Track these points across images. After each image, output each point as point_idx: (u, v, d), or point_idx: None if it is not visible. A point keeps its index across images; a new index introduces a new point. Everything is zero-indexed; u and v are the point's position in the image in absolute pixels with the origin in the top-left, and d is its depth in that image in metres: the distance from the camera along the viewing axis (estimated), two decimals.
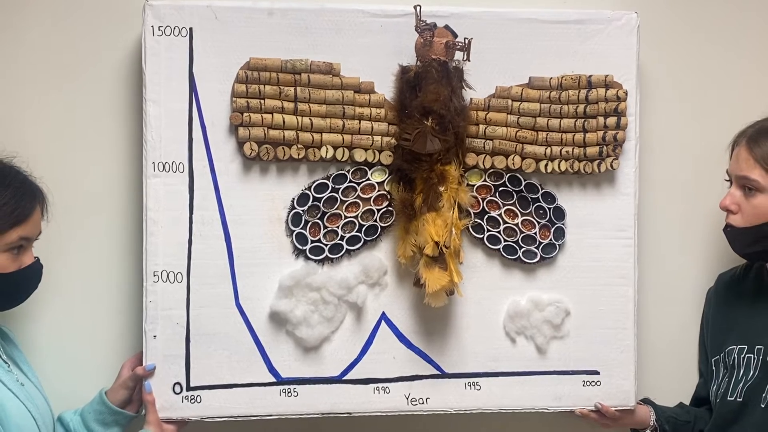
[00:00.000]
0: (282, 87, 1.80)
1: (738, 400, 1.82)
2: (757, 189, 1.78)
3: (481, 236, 1.88)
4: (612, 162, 1.89)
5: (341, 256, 1.85)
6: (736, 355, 1.85)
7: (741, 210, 1.80)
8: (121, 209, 1.88)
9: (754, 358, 1.82)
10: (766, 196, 1.78)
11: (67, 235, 1.87)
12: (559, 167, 1.88)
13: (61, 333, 1.90)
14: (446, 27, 1.81)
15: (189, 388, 1.81)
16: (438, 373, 1.88)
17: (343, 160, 1.83)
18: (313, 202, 1.84)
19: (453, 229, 1.80)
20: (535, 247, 1.90)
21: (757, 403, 1.79)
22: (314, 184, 1.84)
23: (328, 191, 1.84)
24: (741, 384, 1.82)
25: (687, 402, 2.01)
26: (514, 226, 1.89)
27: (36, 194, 1.67)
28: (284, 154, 1.81)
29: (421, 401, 1.88)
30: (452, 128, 1.79)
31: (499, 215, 1.89)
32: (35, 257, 1.68)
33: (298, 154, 1.81)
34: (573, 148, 1.87)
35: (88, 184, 1.89)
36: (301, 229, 1.84)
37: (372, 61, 1.82)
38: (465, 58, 1.79)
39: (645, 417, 1.94)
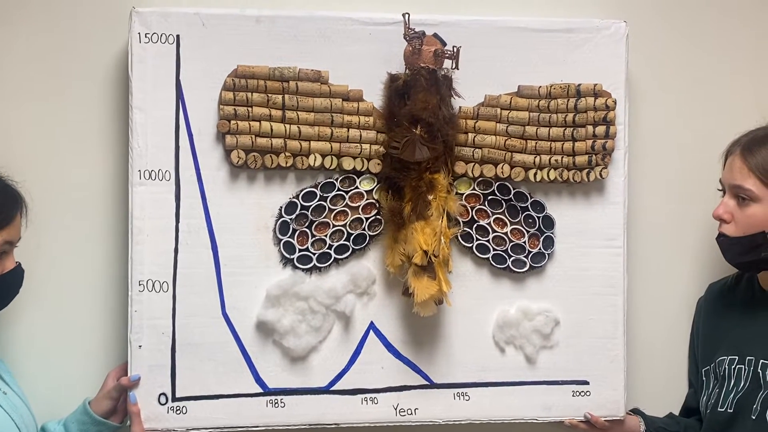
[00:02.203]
0: (270, 95, 1.79)
1: (728, 411, 1.81)
2: (752, 198, 1.76)
3: (470, 245, 1.88)
4: (601, 171, 1.89)
5: (329, 265, 1.84)
6: (726, 366, 1.85)
7: (734, 219, 1.79)
8: (106, 217, 1.87)
9: (745, 369, 1.81)
10: (760, 205, 1.76)
11: (53, 243, 1.86)
12: (548, 176, 1.87)
13: (45, 342, 1.88)
14: (435, 35, 1.81)
15: (174, 399, 1.80)
16: (426, 383, 1.87)
17: (331, 168, 1.82)
18: (300, 210, 1.83)
19: (442, 238, 1.79)
20: (525, 256, 1.89)
21: (747, 415, 1.78)
22: (302, 193, 1.83)
23: (316, 199, 1.83)
24: (731, 395, 1.82)
25: (677, 412, 2.00)
26: (503, 235, 1.88)
27: (17, 198, 1.66)
28: (272, 162, 1.80)
29: (409, 412, 1.87)
30: (441, 137, 1.78)
31: (488, 224, 1.88)
32: (17, 262, 1.67)
33: (286, 162, 1.80)
34: (562, 157, 1.87)
35: (74, 191, 1.87)
36: (288, 237, 1.82)
37: (360, 69, 1.82)
38: (454, 67, 1.79)
39: (635, 427, 1.93)
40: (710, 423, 1.85)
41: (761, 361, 1.79)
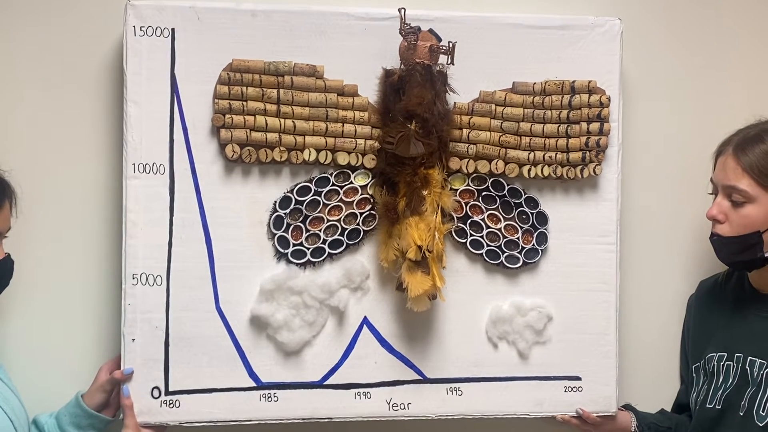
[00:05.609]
0: (265, 89, 1.79)
1: (717, 407, 1.82)
2: (746, 199, 1.75)
3: (464, 241, 1.88)
4: (595, 167, 1.89)
5: (323, 259, 1.84)
6: (715, 363, 1.85)
7: (728, 219, 1.77)
8: (100, 211, 1.86)
9: (733, 366, 1.82)
10: (755, 205, 1.74)
11: (46, 236, 1.85)
12: (542, 172, 1.88)
13: (38, 335, 1.87)
14: (430, 31, 1.81)
15: (168, 393, 1.80)
16: (420, 378, 1.88)
17: (326, 163, 1.82)
18: (295, 205, 1.83)
19: (436, 234, 1.80)
20: (518, 252, 1.89)
21: (735, 411, 1.79)
22: (297, 187, 1.83)
23: (311, 194, 1.83)
24: (720, 391, 1.82)
25: (668, 408, 2.01)
26: (497, 231, 1.89)
27: (5, 188, 1.65)
28: (266, 157, 1.80)
29: (402, 406, 1.87)
30: (436, 132, 1.78)
31: (482, 220, 1.88)
32: (6, 253, 1.66)
33: (281, 157, 1.80)
34: (556, 153, 1.88)
35: (68, 184, 1.87)
36: (283, 232, 1.82)
37: (356, 64, 1.82)
38: (449, 62, 1.78)
39: (626, 423, 1.94)
40: (699, 419, 1.86)
41: (749, 357, 1.80)
